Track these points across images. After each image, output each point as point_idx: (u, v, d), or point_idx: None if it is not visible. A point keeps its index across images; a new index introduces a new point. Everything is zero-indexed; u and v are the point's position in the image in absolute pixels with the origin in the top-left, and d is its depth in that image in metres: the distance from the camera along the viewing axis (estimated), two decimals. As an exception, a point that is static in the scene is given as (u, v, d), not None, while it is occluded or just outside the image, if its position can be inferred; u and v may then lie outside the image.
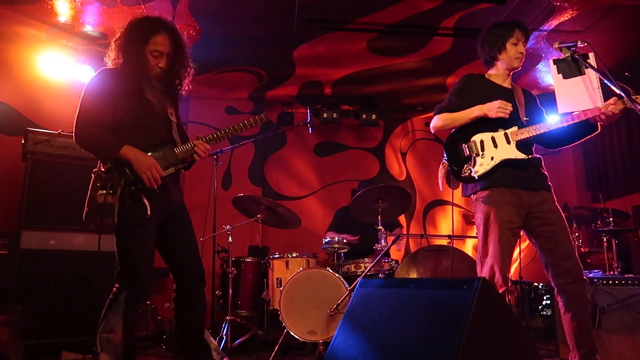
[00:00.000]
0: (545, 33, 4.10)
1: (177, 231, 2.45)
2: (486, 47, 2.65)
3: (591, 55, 2.39)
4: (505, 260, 2.40)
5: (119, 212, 2.17)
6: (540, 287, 4.68)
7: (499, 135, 2.52)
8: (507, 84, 2.66)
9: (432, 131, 2.72)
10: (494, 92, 2.59)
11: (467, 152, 2.55)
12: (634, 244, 4.40)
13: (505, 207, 2.43)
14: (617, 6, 3.69)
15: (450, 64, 4.77)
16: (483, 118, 2.51)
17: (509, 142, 2.50)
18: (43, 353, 3.48)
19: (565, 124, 2.42)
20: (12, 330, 3.05)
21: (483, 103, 2.53)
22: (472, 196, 2.58)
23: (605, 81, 2.23)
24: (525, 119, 2.54)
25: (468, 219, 5.86)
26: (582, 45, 2.40)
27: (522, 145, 2.50)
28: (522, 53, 2.59)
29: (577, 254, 2.46)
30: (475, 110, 2.52)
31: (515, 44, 2.58)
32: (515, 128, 2.50)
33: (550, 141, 2.62)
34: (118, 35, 2.43)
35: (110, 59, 2.44)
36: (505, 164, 2.48)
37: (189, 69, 2.52)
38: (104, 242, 2.32)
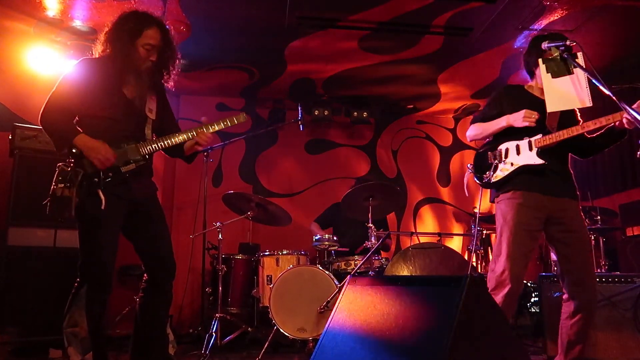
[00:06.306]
0: (535, 32, 4.12)
1: (145, 226, 2.47)
2: (526, 59, 2.64)
3: (580, 54, 2.40)
4: (518, 259, 2.41)
5: (78, 205, 2.23)
6: (528, 284, 4.71)
7: (523, 143, 2.55)
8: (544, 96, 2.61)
9: (468, 140, 2.77)
10: (528, 103, 2.56)
11: (492, 159, 2.62)
12: (620, 243, 4.45)
13: (523, 210, 2.46)
14: (607, 6, 3.72)
15: (441, 63, 4.79)
16: (512, 127, 2.53)
17: (531, 149, 2.52)
18: (30, 350, 3.45)
19: (586, 130, 2.42)
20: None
21: None
22: (495, 200, 2.63)
23: (594, 80, 2.25)
24: (552, 126, 2.53)
25: (459, 217, 5.89)
26: (571, 45, 2.42)
27: (545, 153, 2.50)
28: None
29: (594, 265, 2.50)
30: (502, 121, 2.55)
31: None
32: (539, 136, 2.51)
33: (581, 150, 2.67)
34: (107, 28, 2.44)
35: (97, 51, 2.45)
36: (524, 170, 2.51)
37: (177, 62, 2.54)
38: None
